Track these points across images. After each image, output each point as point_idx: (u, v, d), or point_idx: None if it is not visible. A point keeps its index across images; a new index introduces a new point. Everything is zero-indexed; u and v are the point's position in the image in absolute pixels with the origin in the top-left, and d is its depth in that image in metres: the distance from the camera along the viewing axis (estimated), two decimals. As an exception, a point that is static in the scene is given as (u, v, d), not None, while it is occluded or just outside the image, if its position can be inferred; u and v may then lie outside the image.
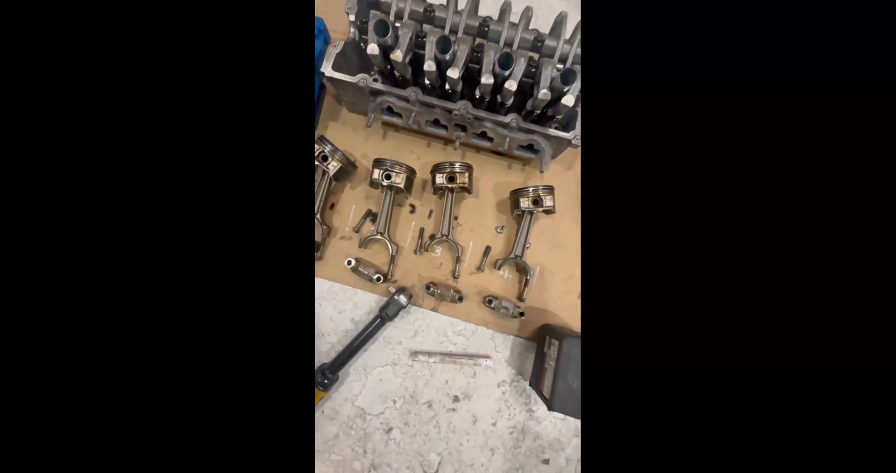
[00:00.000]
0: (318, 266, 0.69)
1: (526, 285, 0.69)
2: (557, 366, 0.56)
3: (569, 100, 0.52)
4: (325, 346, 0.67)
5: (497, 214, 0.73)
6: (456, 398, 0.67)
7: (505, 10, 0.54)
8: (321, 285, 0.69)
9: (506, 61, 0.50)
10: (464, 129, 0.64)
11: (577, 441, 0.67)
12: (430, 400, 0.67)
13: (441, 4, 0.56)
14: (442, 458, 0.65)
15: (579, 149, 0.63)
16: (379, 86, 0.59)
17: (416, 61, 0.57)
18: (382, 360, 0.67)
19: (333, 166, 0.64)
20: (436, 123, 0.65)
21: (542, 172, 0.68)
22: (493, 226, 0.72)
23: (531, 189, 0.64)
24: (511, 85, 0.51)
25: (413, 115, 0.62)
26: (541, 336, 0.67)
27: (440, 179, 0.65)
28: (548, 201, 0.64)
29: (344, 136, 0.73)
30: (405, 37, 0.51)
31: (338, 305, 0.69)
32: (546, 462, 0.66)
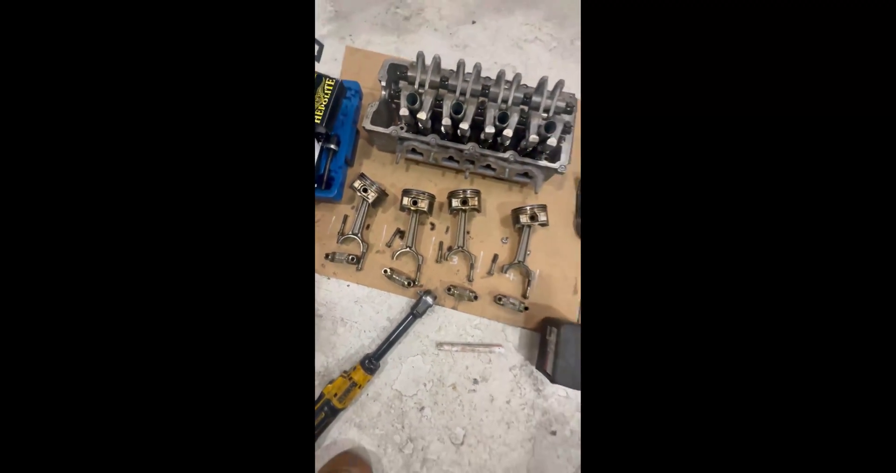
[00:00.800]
0: (358, 275, 0.86)
1: (528, 285, 0.84)
2: (558, 349, 0.70)
3: (552, 141, 0.69)
4: (367, 340, 0.83)
5: (501, 227, 0.89)
6: (475, 381, 0.81)
7: (501, 76, 0.71)
8: (362, 291, 0.85)
9: (503, 117, 0.67)
10: (472, 162, 0.81)
11: (578, 416, 0.80)
12: (454, 383, 0.81)
13: (452, 71, 0.74)
14: (466, 431, 0.79)
15: (566, 174, 0.80)
16: (405, 134, 0.77)
17: (435, 116, 0.75)
18: (413, 350, 0.82)
19: (372, 196, 0.81)
20: (450, 158, 0.82)
21: (536, 193, 0.85)
22: (498, 238, 0.88)
23: (528, 207, 0.81)
24: (508, 133, 0.68)
25: (432, 153, 0.79)
26: (543, 327, 0.81)
27: (455, 203, 0.82)
28: (542, 217, 0.80)
29: (374, 169, 0.91)
30: (427, 102, 0.69)
31: (376, 306, 0.85)
32: (553, 433, 0.79)
